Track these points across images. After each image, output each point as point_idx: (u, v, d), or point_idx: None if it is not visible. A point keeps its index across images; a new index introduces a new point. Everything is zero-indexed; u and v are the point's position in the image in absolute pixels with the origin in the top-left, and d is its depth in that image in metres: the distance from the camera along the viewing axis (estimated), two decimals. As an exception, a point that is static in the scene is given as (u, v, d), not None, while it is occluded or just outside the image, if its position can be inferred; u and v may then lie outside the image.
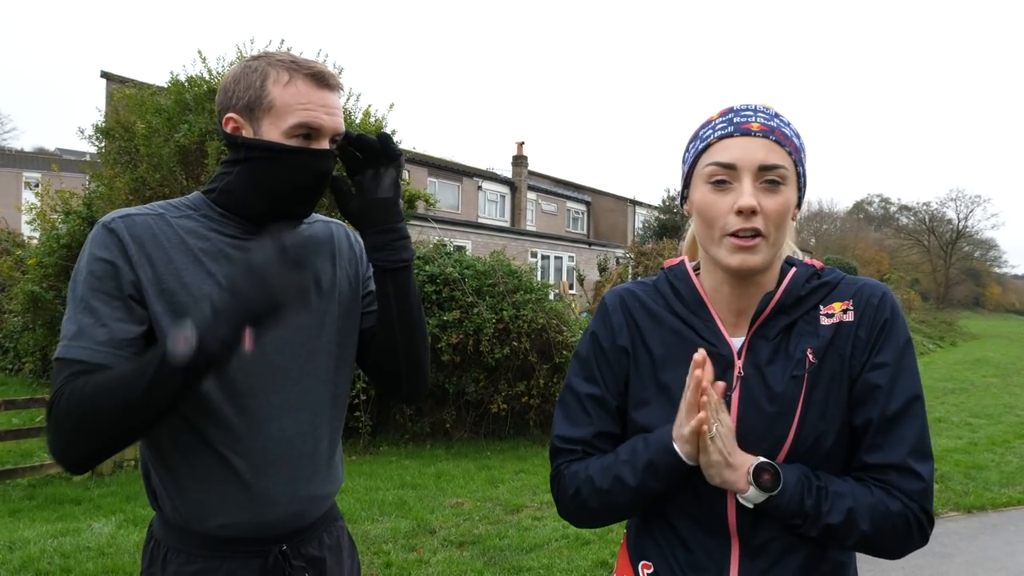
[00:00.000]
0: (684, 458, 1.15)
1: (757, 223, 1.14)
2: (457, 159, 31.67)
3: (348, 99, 11.54)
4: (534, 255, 24.35)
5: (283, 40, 13.20)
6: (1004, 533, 5.61)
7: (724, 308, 1.24)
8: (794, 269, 1.24)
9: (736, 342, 1.22)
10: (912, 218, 73.26)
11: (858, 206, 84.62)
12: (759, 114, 1.19)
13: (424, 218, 16.56)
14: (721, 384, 1.15)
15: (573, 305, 10.16)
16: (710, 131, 1.21)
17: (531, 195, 33.09)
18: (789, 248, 1.31)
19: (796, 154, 1.19)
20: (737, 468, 1.13)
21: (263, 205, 1.32)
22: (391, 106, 12.44)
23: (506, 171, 32.64)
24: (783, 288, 1.20)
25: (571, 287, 21.51)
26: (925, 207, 71.28)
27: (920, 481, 1.14)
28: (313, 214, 1.48)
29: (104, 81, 18.40)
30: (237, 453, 1.27)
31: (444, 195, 26.77)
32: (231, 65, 10.76)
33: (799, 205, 1.22)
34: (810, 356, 1.17)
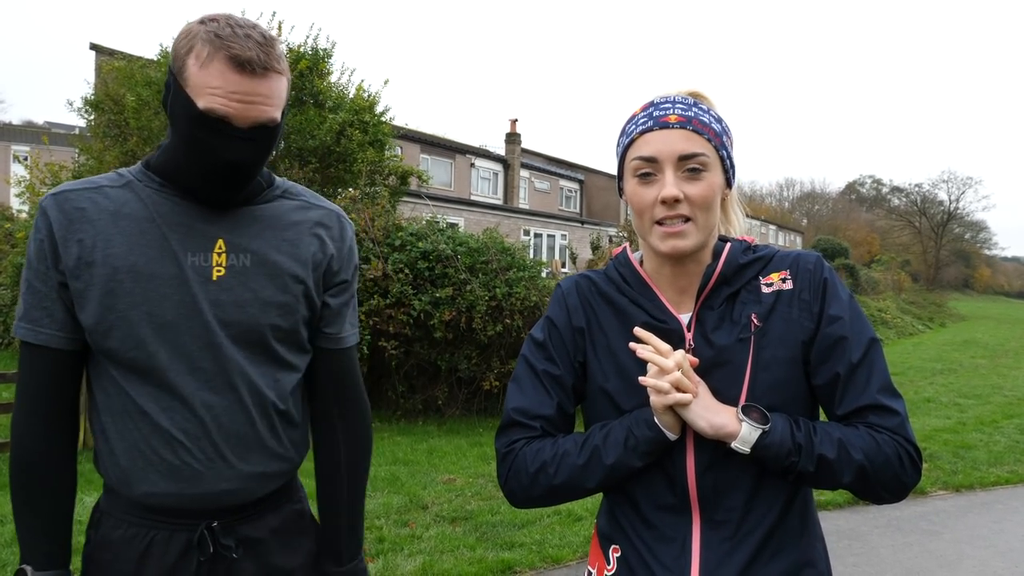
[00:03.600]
0: (666, 431, 1.19)
1: (683, 210, 1.20)
2: (450, 136, 31.52)
3: (342, 75, 11.44)
4: (527, 233, 24.31)
5: (274, 13, 13.01)
6: (992, 511, 5.68)
7: (667, 288, 1.30)
8: (729, 244, 1.29)
9: (685, 318, 1.27)
10: (904, 199, 73.43)
11: (850, 187, 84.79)
12: (677, 105, 1.24)
13: (417, 195, 16.48)
14: (690, 357, 1.22)
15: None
16: (633, 126, 1.27)
17: (524, 173, 32.96)
18: (739, 223, 1.39)
19: (716, 139, 1.24)
20: (721, 411, 1.18)
21: (186, 181, 1.28)
22: (385, 82, 12.33)
23: (499, 148, 32.49)
24: (723, 260, 1.26)
25: (563, 265, 21.51)
26: (917, 188, 71.45)
27: (895, 416, 1.19)
28: (319, 197, 1.46)
29: (93, 53, 18.15)
30: (165, 423, 1.26)
31: (437, 172, 26.63)
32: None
33: (730, 185, 1.30)
34: (755, 320, 1.23)
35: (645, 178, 1.23)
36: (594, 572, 1.36)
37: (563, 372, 1.32)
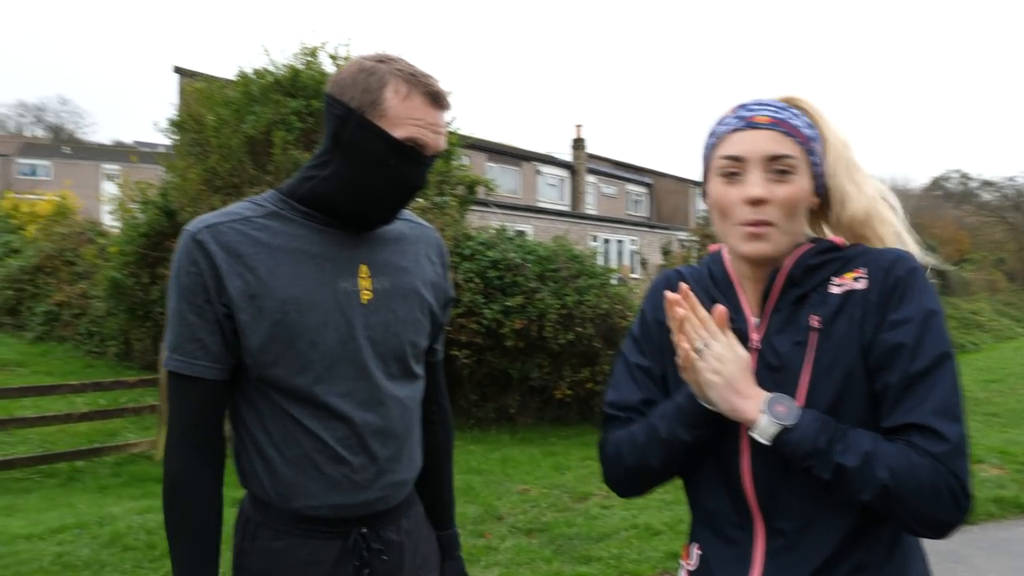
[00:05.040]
0: (699, 399, 1.19)
1: (767, 213, 1.18)
2: (516, 143, 31.61)
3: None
4: (595, 239, 24.15)
5: (346, 34, 13.32)
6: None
7: (750, 289, 1.28)
8: (807, 245, 1.25)
9: (757, 320, 1.26)
10: (996, 194, 69.60)
11: (935, 183, 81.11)
12: (767, 107, 1.23)
13: (485, 203, 16.59)
14: (721, 307, 1.19)
15: (636, 289, 10.03)
16: (721, 126, 1.26)
17: (591, 178, 32.77)
18: (910, 245, 1.31)
19: (807, 143, 1.21)
20: (749, 397, 1.15)
21: (350, 207, 1.36)
22: (450, 93, 12.43)
23: (565, 154, 32.39)
24: (792, 260, 1.23)
25: (633, 271, 21.28)
26: (1010, 181, 67.62)
27: (945, 442, 1.08)
28: (415, 216, 1.58)
29: (176, 76, 18.94)
30: (330, 440, 1.35)
31: (504, 180, 26.74)
32: (294, 56, 10.94)
33: (817, 193, 1.25)
34: (815, 322, 1.18)
35: (731, 178, 1.21)
36: (683, 564, 1.38)
37: (652, 363, 1.33)
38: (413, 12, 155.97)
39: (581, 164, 31.62)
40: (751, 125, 1.21)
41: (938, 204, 74.92)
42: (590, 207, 31.94)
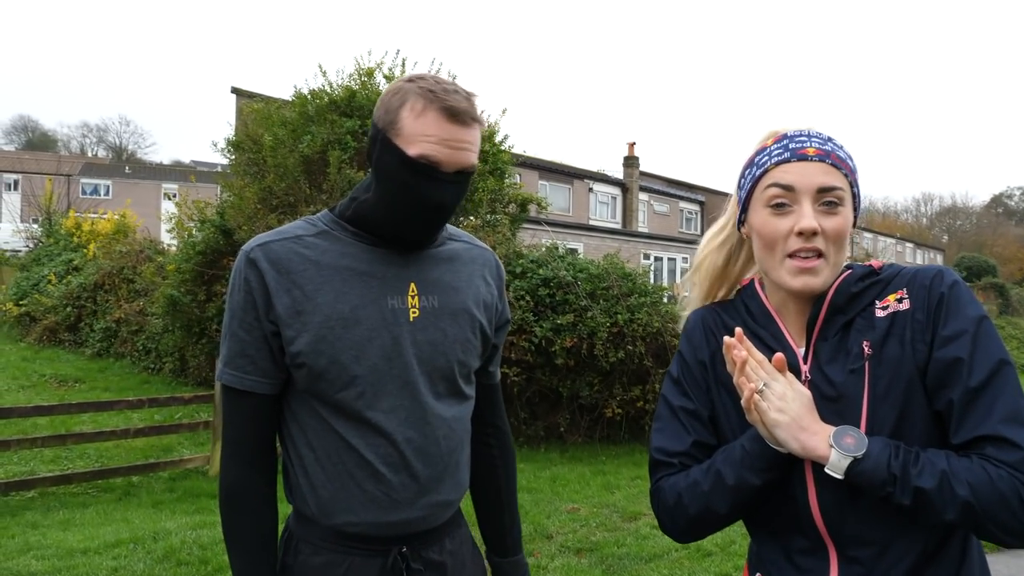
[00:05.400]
0: (767, 440, 1.17)
1: (818, 244, 1.18)
2: (567, 161, 31.65)
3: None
4: (647, 257, 23.94)
5: (398, 51, 13.54)
6: None
7: (791, 320, 1.28)
8: (847, 272, 1.25)
9: (803, 350, 1.25)
10: (1061, 212, 67.27)
11: (996, 200, 78.66)
12: (813, 139, 1.23)
13: (536, 221, 16.61)
14: (780, 355, 1.18)
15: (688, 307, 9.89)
16: (766, 157, 1.25)
17: (643, 196, 32.60)
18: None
19: (851, 175, 1.24)
20: (816, 432, 1.14)
21: (388, 227, 1.38)
22: (503, 111, 12.57)
23: (617, 172, 32.32)
24: (833, 288, 1.22)
25: (686, 290, 20.99)
26: (1076, 199, 65.23)
27: (1017, 449, 1.07)
28: (474, 238, 1.58)
29: (234, 96, 19.48)
30: (370, 456, 1.35)
31: (555, 197, 26.76)
32: (350, 77, 11.15)
33: (855, 224, 1.27)
34: (866, 348, 1.18)
35: (779, 208, 1.21)
36: None
37: (698, 406, 1.32)
38: (468, 32, 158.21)
39: (633, 182, 31.50)
40: (800, 157, 1.21)
41: (1000, 222, 72.57)
42: (642, 225, 31.77)
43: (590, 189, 30.51)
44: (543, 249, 9.01)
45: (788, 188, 1.20)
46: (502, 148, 12.04)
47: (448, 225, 1.54)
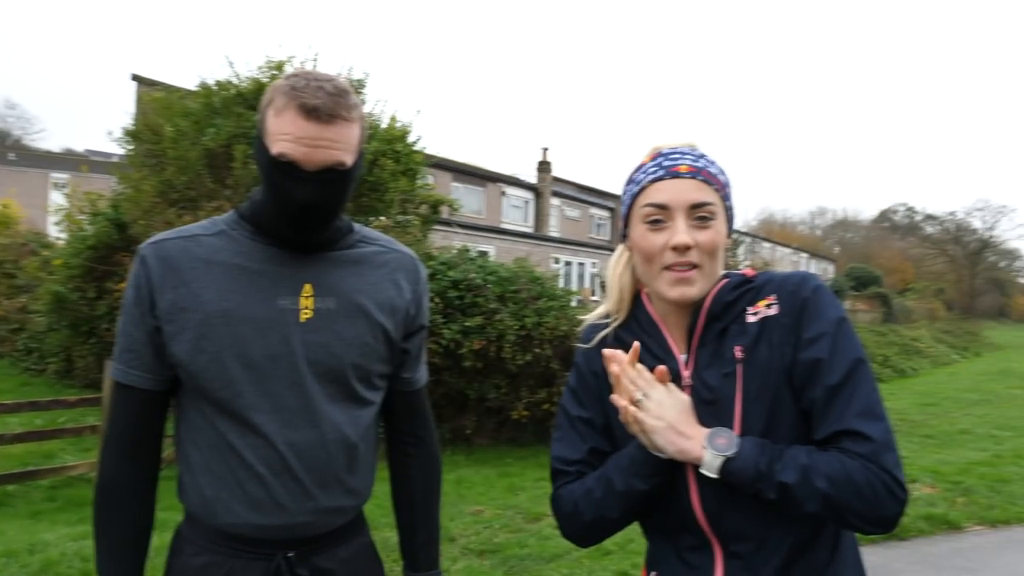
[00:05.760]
0: (648, 447, 1.22)
1: (692, 257, 1.25)
2: (481, 164, 31.72)
3: (375, 106, 11.59)
4: (557, 261, 24.29)
5: (310, 45, 13.26)
6: (1035, 551, 5.46)
7: (674, 328, 1.33)
8: (725, 280, 1.30)
9: (685, 357, 1.31)
10: (938, 227, 72.21)
11: (883, 214, 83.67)
12: (686, 156, 1.29)
13: (448, 223, 16.58)
14: (662, 368, 1.24)
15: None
16: (643, 175, 1.31)
17: (555, 201, 33.03)
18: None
19: (723, 190, 1.30)
20: (692, 436, 1.20)
21: (273, 227, 1.37)
22: (417, 112, 12.49)
23: (530, 176, 32.64)
24: (710, 298, 1.28)
25: (594, 294, 21.41)
26: (951, 216, 70.25)
27: (870, 442, 1.14)
28: (394, 242, 1.55)
29: (134, 84, 18.63)
30: (250, 458, 1.33)
31: (468, 200, 26.78)
32: (259, 69, 10.83)
33: (729, 235, 1.33)
34: (738, 353, 1.24)
35: (655, 224, 1.27)
36: None
37: (592, 415, 1.37)
38: (383, 30, 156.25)
39: (546, 186, 31.87)
40: (673, 174, 1.27)
41: (886, 235, 77.18)
42: (553, 229, 32.16)
43: (503, 192, 30.68)
44: (454, 251, 9.01)
45: (662, 206, 1.26)
46: (415, 149, 11.96)
47: (365, 228, 1.53)
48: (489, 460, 7.76)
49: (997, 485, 7.14)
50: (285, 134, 1.27)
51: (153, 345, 1.34)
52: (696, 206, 1.25)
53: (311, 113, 1.27)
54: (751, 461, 1.16)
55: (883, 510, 1.13)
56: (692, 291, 1.26)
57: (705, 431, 1.20)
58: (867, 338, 21.68)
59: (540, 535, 5.24)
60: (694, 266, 1.25)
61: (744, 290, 1.29)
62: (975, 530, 5.89)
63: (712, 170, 1.30)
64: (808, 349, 1.20)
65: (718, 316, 1.28)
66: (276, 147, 1.28)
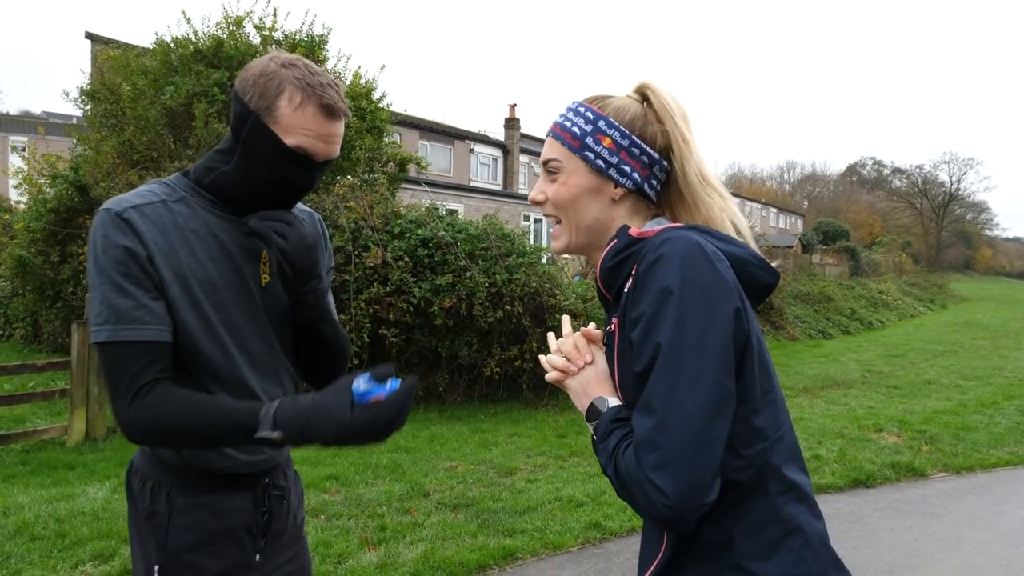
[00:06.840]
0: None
1: (548, 210, 1.32)
2: (449, 122, 31.35)
3: (338, 61, 11.36)
4: (527, 218, 24.22)
5: (273, 4, 12.90)
6: (992, 493, 5.69)
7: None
8: (613, 242, 1.25)
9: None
10: (905, 181, 73.20)
11: (851, 168, 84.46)
12: (564, 113, 1.32)
13: (416, 181, 16.43)
14: (590, 329, 1.31)
15: (566, 269, 10.11)
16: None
17: (524, 158, 32.83)
18: (716, 206, 1.28)
19: (574, 142, 1.27)
20: (589, 397, 1.25)
21: (247, 201, 1.46)
22: (382, 68, 12.28)
23: (498, 134, 32.34)
24: (598, 267, 1.28)
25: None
26: (918, 170, 71.32)
27: (635, 437, 1.08)
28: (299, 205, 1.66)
29: (88, 42, 18.02)
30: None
31: (436, 158, 26.53)
32: (217, 25, 10.53)
33: (620, 185, 1.27)
34: (611, 326, 1.24)
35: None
36: None
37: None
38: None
39: (514, 144, 31.61)
40: (548, 134, 1.34)
41: (853, 189, 77.94)
42: (523, 187, 31.99)
43: (471, 150, 30.40)
44: (423, 209, 8.95)
45: (543, 164, 1.33)
46: (380, 106, 11.78)
47: None
48: (462, 417, 7.84)
49: (961, 433, 7.41)
50: (307, 129, 1.38)
51: (164, 300, 1.37)
52: (545, 162, 1.32)
53: (330, 112, 1.39)
54: (598, 435, 1.19)
55: (644, 507, 1.05)
56: (557, 244, 1.33)
57: (602, 396, 1.23)
58: (835, 291, 22.05)
59: (513, 488, 5.34)
60: (558, 221, 1.32)
61: (627, 254, 1.22)
62: (939, 477, 6.11)
63: (566, 124, 1.29)
64: (632, 329, 1.13)
65: (608, 283, 1.25)
66: (293, 139, 1.38)
